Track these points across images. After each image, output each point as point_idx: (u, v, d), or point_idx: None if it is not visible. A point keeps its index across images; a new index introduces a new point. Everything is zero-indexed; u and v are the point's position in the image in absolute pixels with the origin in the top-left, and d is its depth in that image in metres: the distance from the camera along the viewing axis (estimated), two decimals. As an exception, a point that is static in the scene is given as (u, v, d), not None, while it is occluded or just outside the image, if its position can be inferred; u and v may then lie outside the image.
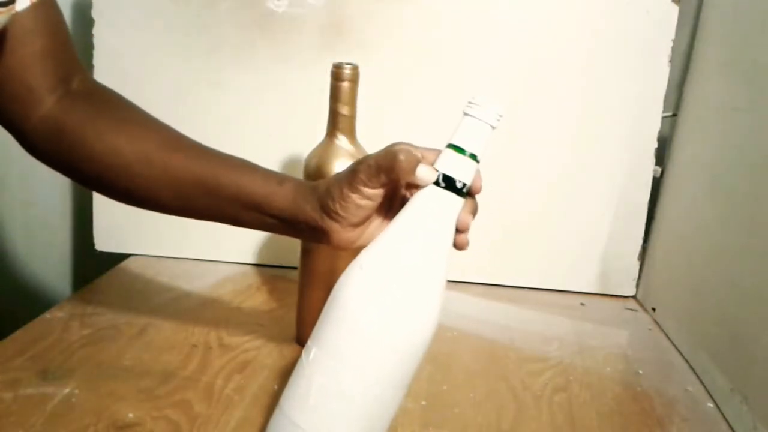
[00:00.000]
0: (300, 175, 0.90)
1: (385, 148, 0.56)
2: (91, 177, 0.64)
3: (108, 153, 0.62)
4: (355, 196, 0.56)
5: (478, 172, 0.55)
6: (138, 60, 1.03)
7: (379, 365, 0.52)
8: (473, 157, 0.53)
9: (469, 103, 0.53)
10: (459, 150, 0.53)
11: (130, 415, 0.65)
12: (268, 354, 0.79)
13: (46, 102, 0.63)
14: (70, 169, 0.65)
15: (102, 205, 1.06)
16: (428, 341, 0.54)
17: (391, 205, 0.59)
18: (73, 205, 1.23)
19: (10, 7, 0.58)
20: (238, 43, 1.01)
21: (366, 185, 0.55)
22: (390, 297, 0.51)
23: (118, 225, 1.06)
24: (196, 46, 1.01)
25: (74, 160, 0.63)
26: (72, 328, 0.81)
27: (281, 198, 0.60)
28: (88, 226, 1.07)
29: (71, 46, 0.66)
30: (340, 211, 0.57)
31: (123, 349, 0.77)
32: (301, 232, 0.61)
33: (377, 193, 0.56)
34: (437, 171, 0.54)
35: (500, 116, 0.53)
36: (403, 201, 0.58)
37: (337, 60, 0.74)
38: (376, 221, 0.59)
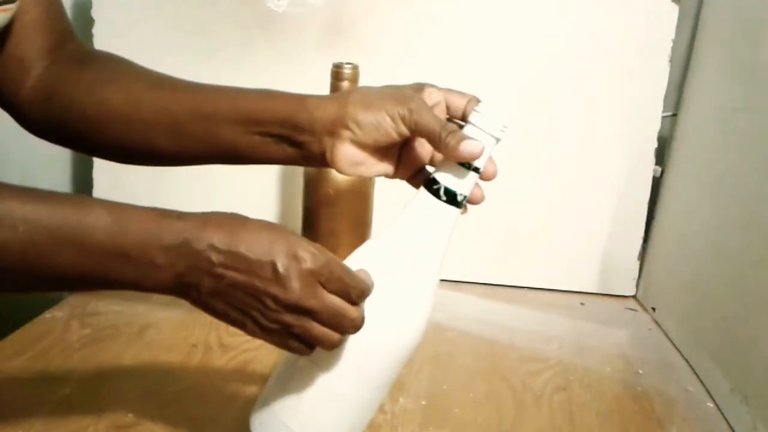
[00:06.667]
0: (300, 175, 0.90)
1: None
2: (85, 136, 0.62)
3: (98, 103, 0.60)
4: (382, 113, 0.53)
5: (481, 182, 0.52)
6: (138, 60, 1.01)
7: (367, 368, 0.52)
8: (469, 166, 0.51)
9: (474, 111, 0.52)
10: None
11: (130, 415, 0.65)
12: (268, 354, 0.79)
13: (35, 71, 0.63)
14: (64, 134, 0.63)
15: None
16: (412, 348, 0.53)
17: (399, 161, 0.57)
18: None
19: (12, 5, 0.57)
20: (238, 42, 1.01)
21: (404, 118, 0.52)
22: (378, 302, 0.51)
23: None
24: (196, 46, 1.01)
25: (67, 120, 0.62)
26: (72, 328, 0.81)
27: (286, 103, 0.56)
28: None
29: (64, 19, 0.66)
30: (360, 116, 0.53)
31: (123, 349, 0.77)
32: (305, 147, 0.56)
33: (401, 126, 0.53)
34: (481, 145, 0.50)
35: (504, 127, 0.51)
36: (411, 161, 0.57)
37: (337, 60, 0.74)
38: (381, 161, 0.56)
